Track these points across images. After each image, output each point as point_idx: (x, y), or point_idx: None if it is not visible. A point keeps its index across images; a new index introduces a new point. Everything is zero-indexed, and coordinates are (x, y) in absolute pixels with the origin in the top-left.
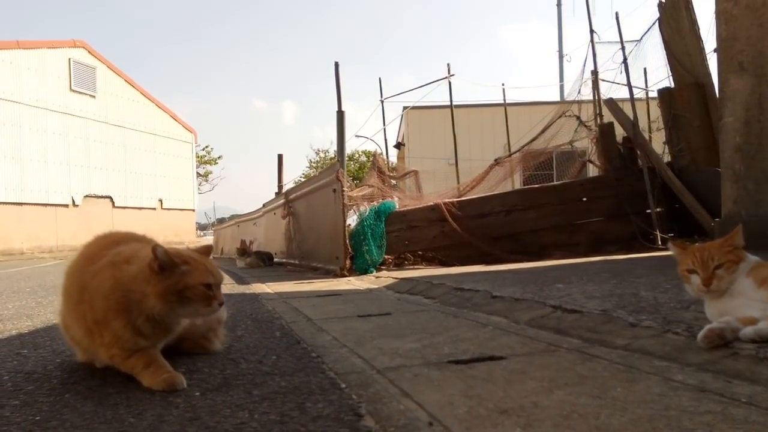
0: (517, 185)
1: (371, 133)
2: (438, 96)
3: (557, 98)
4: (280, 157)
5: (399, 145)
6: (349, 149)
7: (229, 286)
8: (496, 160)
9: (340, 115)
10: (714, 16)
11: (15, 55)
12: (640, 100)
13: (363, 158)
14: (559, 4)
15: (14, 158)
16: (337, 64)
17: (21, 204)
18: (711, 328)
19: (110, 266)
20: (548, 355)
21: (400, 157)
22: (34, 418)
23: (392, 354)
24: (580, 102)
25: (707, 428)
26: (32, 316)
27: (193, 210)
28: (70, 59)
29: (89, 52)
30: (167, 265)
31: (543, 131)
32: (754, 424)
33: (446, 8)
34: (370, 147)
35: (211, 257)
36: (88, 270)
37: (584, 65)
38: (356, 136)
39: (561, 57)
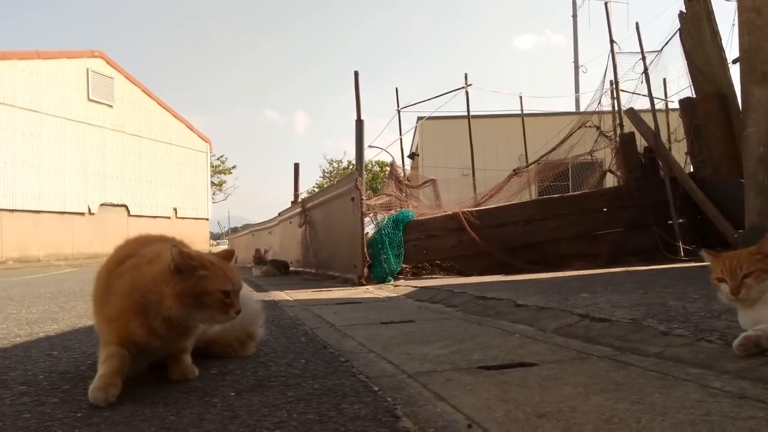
0: (533, 196)
1: (383, 144)
2: (452, 106)
3: (572, 109)
4: (296, 166)
5: (413, 155)
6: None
7: (247, 294)
8: (514, 170)
9: (359, 123)
10: (736, 26)
11: (35, 66)
12: (659, 111)
13: (376, 168)
14: (574, 15)
15: (32, 166)
16: (356, 74)
17: (38, 212)
18: (747, 336)
19: (132, 268)
20: (580, 363)
21: (414, 167)
22: (75, 415)
23: (421, 359)
24: (600, 112)
25: None
26: (57, 320)
27: (207, 219)
28: (88, 69)
29: (107, 62)
30: (183, 267)
31: (562, 142)
32: None
33: (457, 19)
34: (384, 157)
35: (232, 262)
36: (115, 272)
37: (604, 75)
38: (369, 146)
39: (577, 68)
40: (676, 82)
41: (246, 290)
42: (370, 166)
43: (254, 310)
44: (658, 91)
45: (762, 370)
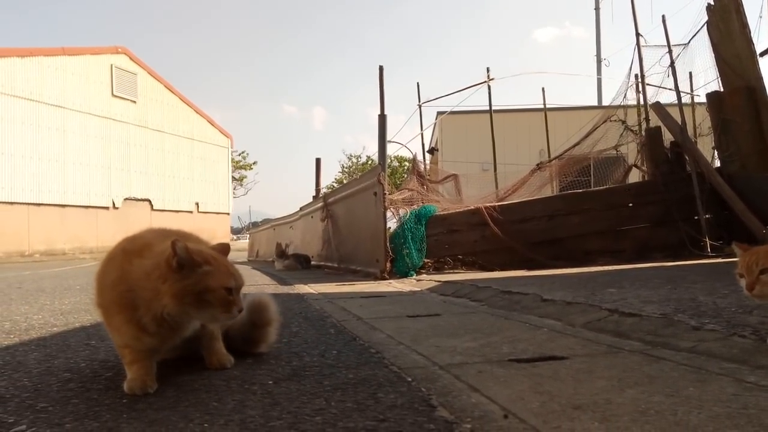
0: (555, 192)
1: (403, 140)
2: (471, 101)
3: (594, 103)
4: (317, 161)
5: (432, 150)
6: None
7: (272, 287)
8: (538, 164)
9: (382, 118)
10: (764, 18)
11: (61, 62)
12: (686, 105)
13: (395, 164)
14: (597, 8)
15: (58, 161)
16: (381, 68)
17: (64, 206)
18: None
19: (122, 254)
20: (612, 356)
21: (433, 162)
22: (121, 401)
23: (451, 352)
24: (626, 107)
25: None
26: (90, 311)
27: (228, 214)
28: (112, 65)
29: (131, 58)
30: (188, 263)
31: (586, 136)
32: None
33: (479, 11)
34: (403, 153)
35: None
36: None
37: (630, 69)
38: (388, 141)
39: (599, 61)
40: (703, 75)
41: (262, 294)
42: (390, 161)
43: (265, 306)
44: (683, 85)
45: None
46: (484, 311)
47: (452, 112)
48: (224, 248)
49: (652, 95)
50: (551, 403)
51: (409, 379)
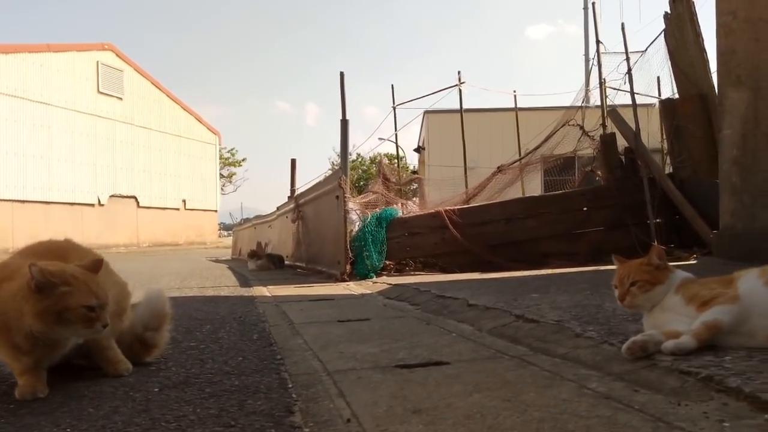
0: (538, 191)
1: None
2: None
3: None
4: (293, 161)
5: (419, 149)
6: (370, 151)
7: (231, 288)
8: (498, 167)
9: (344, 123)
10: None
11: (46, 58)
12: (642, 106)
13: (385, 160)
14: (585, 8)
15: (43, 158)
16: (342, 74)
17: (48, 203)
18: (634, 341)
19: None
20: (490, 362)
21: (421, 161)
22: (8, 406)
23: (349, 358)
24: (584, 107)
25: (585, 430)
26: None
27: (216, 211)
28: (98, 62)
29: (117, 55)
30: (44, 285)
31: (546, 140)
32: (628, 428)
33: (471, 11)
34: (391, 149)
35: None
36: None
37: (589, 75)
38: (379, 139)
39: (587, 60)
40: (662, 83)
41: (157, 291)
42: (379, 158)
43: (156, 312)
44: (652, 89)
45: (641, 372)
46: (414, 315)
47: (437, 111)
48: (95, 264)
49: (613, 98)
50: (397, 407)
51: (290, 386)
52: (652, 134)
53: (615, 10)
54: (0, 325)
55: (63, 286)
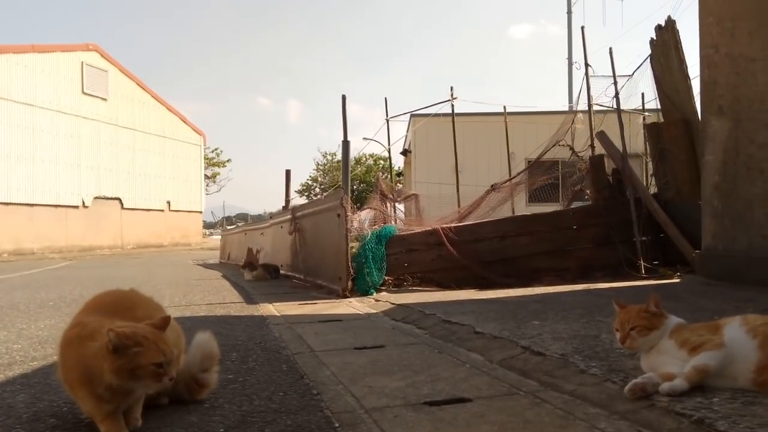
0: (523, 203)
1: (377, 137)
2: (446, 105)
3: (565, 102)
4: (287, 172)
5: (405, 152)
6: (355, 152)
7: (238, 306)
8: (492, 186)
9: (346, 145)
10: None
11: (30, 59)
12: (629, 112)
13: (370, 161)
14: (569, 12)
15: (26, 159)
16: (344, 98)
17: (32, 205)
18: (635, 383)
19: (77, 340)
20: (508, 399)
21: (407, 163)
22: None
23: (380, 394)
24: (573, 125)
25: None
26: None
27: (200, 212)
28: (82, 63)
29: (101, 55)
30: (121, 347)
31: (538, 158)
32: None
33: (455, 9)
34: (377, 150)
35: (170, 326)
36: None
37: (578, 97)
38: (364, 138)
39: (570, 64)
40: (649, 106)
41: (207, 335)
42: (364, 159)
43: (207, 354)
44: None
45: (642, 412)
46: (425, 342)
47: (424, 115)
48: (163, 323)
49: (599, 123)
50: None
51: (336, 425)
52: (633, 137)
53: (598, 9)
54: (85, 379)
55: (135, 347)
